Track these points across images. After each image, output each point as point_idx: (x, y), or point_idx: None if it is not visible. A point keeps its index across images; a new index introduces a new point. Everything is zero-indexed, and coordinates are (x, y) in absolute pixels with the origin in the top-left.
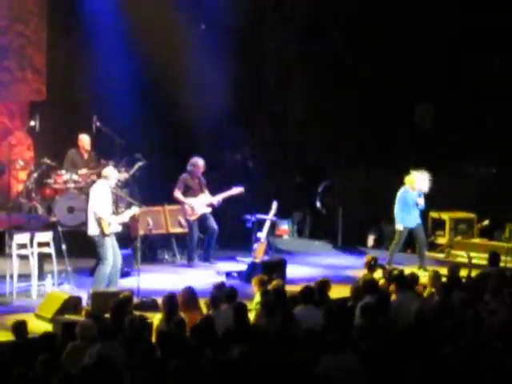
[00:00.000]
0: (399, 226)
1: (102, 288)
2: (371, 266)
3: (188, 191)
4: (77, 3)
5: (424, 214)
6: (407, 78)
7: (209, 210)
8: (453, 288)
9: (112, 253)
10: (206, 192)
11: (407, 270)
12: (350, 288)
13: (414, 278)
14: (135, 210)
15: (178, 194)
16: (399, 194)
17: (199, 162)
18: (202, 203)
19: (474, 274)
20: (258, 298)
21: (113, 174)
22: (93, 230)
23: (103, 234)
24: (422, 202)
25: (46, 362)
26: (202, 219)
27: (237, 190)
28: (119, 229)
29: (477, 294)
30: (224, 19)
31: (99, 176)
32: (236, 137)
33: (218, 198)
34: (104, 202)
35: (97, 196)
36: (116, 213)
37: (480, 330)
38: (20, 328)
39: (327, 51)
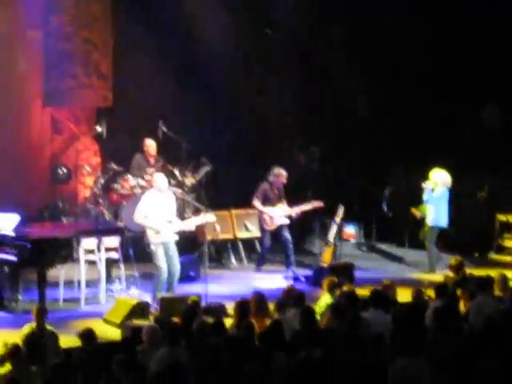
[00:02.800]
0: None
1: (161, 295)
2: (458, 268)
3: (267, 201)
4: (141, 5)
5: (491, 216)
6: (473, 78)
7: (287, 221)
8: None
9: (165, 260)
10: (285, 202)
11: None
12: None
13: (490, 280)
14: (207, 217)
15: (257, 203)
16: (440, 193)
17: (282, 172)
18: (280, 214)
19: None
20: (326, 300)
21: (159, 181)
22: (145, 237)
23: (151, 242)
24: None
25: (123, 362)
26: (278, 230)
27: (316, 204)
28: (174, 237)
29: None
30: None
31: None
32: (302, 139)
33: (296, 211)
34: (147, 209)
35: (139, 204)
36: (182, 218)
37: None
38: (89, 335)
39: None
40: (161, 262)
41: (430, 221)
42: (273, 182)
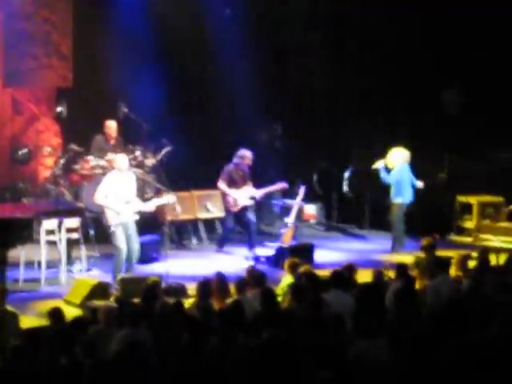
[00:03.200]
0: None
1: (121, 275)
2: (429, 248)
3: (232, 183)
4: None
5: (451, 198)
6: (433, 61)
7: (251, 202)
8: (484, 272)
9: (125, 240)
10: (250, 184)
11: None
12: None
13: (447, 261)
14: (168, 198)
15: (222, 184)
16: (400, 169)
17: (248, 154)
18: (245, 196)
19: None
20: (287, 280)
21: (119, 161)
22: (104, 218)
23: (108, 223)
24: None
25: (87, 346)
26: (242, 211)
27: (281, 185)
28: (133, 217)
29: (507, 278)
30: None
31: None
32: (263, 119)
33: (260, 192)
34: (108, 190)
35: (100, 185)
36: (143, 199)
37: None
38: (57, 314)
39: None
40: (120, 242)
41: (393, 198)
42: (238, 164)
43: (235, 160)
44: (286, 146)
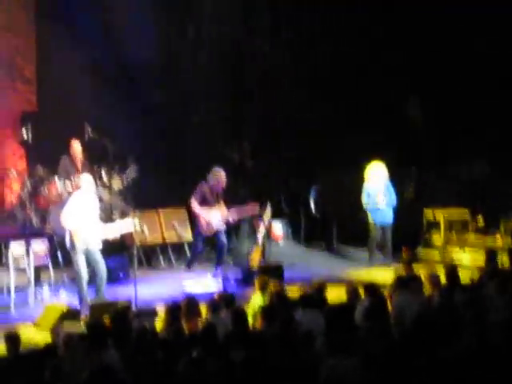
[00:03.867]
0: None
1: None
2: (409, 262)
3: (204, 202)
4: (62, 10)
5: (418, 212)
6: (397, 70)
7: (223, 227)
8: (454, 288)
9: (92, 263)
10: (223, 205)
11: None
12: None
13: (416, 278)
14: (129, 226)
15: (195, 205)
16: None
17: (222, 174)
18: (218, 219)
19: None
20: (258, 299)
21: (85, 183)
22: (67, 242)
23: (73, 247)
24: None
25: (55, 370)
26: (214, 234)
27: (253, 208)
28: (99, 245)
29: (477, 294)
30: None
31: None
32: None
33: (234, 216)
34: (75, 212)
35: (67, 207)
36: (110, 220)
37: (482, 329)
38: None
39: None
40: (81, 267)
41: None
42: (212, 184)
43: (211, 182)
44: (254, 165)
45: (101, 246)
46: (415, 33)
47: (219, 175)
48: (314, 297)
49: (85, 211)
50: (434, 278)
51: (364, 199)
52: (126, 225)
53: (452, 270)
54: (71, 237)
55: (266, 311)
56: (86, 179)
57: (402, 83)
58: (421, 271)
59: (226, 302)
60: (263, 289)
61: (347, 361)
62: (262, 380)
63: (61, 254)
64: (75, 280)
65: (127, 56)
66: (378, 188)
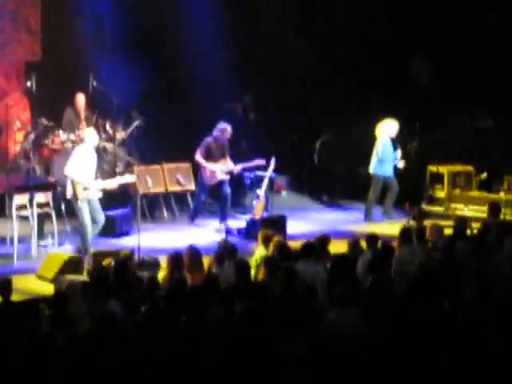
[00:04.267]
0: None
1: (91, 249)
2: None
3: (210, 156)
4: None
5: (422, 168)
6: (401, 29)
7: (227, 177)
8: (456, 240)
9: (90, 216)
10: (228, 158)
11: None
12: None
13: (421, 230)
14: (128, 178)
15: (199, 157)
16: (382, 143)
17: (228, 128)
18: (222, 169)
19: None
20: (261, 252)
21: (88, 136)
22: (68, 193)
23: (76, 198)
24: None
25: (53, 318)
26: (218, 184)
27: (258, 162)
28: (99, 195)
29: (481, 247)
30: None
31: None
32: (235, 89)
33: (238, 167)
34: (80, 165)
35: (72, 159)
36: (114, 173)
37: (484, 282)
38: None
39: (324, 10)
40: (86, 218)
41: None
42: (217, 138)
43: (215, 133)
44: (258, 118)
45: (101, 195)
46: None
47: (224, 129)
48: (317, 249)
49: (87, 164)
50: (436, 231)
51: (380, 152)
52: (121, 179)
53: (460, 223)
54: (74, 187)
55: (268, 263)
56: (89, 133)
57: (409, 37)
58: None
59: (229, 254)
60: (266, 242)
61: (348, 313)
62: (263, 331)
63: (64, 204)
64: (78, 230)
65: (138, 15)
66: (390, 143)
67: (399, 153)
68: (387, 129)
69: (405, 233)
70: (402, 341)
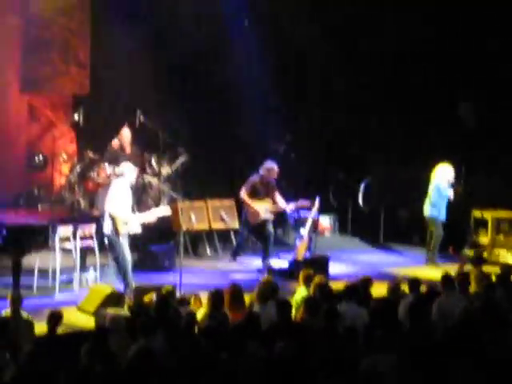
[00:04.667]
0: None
1: (132, 283)
2: (478, 261)
3: (255, 194)
4: None
5: (466, 212)
6: (449, 75)
7: (271, 216)
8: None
9: (129, 249)
10: (277, 197)
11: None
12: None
13: (465, 277)
14: (164, 211)
15: (244, 195)
16: (435, 187)
17: (275, 167)
18: (266, 209)
19: None
20: (302, 292)
21: (128, 170)
22: (106, 228)
23: (117, 233)
24: (451, 193)
25: (92, 352)
26: (262, 223)
27: (304, 202)
28: (139, 230)
29: None
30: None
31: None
32: (278, 128)
33: (291, 207)
34: (120, 200)
35: (112, 194)
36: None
37: None
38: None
39: (371, 49)
40: (126, 251)
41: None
42: (263, 176)
43: (261, 171)
44: (300, 157)
45: (140, 231)
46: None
47: (271, 167)
48: (359, 291)
49: (126, 198)
50: (481, 278)
51: (432, 196)
52: (161, 210)
53: (505, 270)
54: (115, 222)
55: (308, 303)
56: (128, 167)
57: (458, 82)
58: (470, 271)
59: (271, 293)
60: (307, 282)
61: (387, 357)
62: (301, 371)
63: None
64: (119, 264)
65: (180, 43)
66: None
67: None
68: (442, 173)
69: (447, 279)
70: None
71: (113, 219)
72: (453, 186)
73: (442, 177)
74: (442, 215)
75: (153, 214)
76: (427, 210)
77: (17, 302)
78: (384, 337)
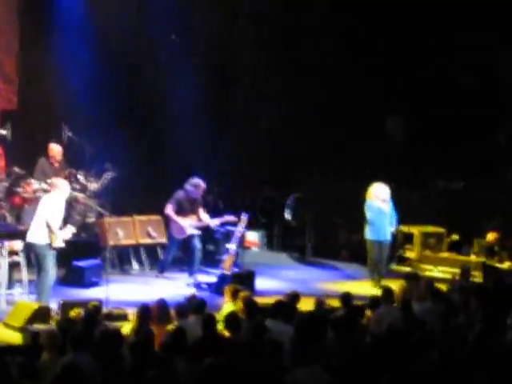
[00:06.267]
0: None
1: (48, 300)
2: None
3: (180, 210)
4: (45, 9)
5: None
6: (377, 88)
7: (197, 232)
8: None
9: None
10: (201, 213)
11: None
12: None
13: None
14: (71, 230)
15: (170, 211)
16: (368, 206)
17: (201, 184)
18: (191, 224)
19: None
20: (229, 307)
21: (64, 185)
22: (37, 237)
23: (50, 246)
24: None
25: (23, 367)
26: (188, 238)
27: (230, 218)
28: (62, 244)
29: (449, 308)
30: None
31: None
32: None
33: (216, 222)
34: (55, 214)
35: (49, 206)
36: (85, 223)
37: (451, 344)
38: None
39: (302, 63)
40: (51, 265)
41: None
42: (189, 192)
43: (187, 187)
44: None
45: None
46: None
47: (198, 184)
48: (286, 307)
49: (59, 212)
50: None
51: (371, 215)
52: (70, 229)
53: (428, 285)
54: (51, 234)
55: (228, 319)
56: (63, 184)
57: (386, 95)
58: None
59: (196, 308)
60: (234, 297)
61: (311, 370)
62: None
63: (28, 252)
64: (42, 279)
65: (110, 57)
66: (386, 207)
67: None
68: (375, 192)
69: (387, 292)
70: None
71: (50, 231)
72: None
73: (376, 196)
74: (381, 235)
75: (67, 232)
76: (365, 231)
77: None
78: (308, 351)
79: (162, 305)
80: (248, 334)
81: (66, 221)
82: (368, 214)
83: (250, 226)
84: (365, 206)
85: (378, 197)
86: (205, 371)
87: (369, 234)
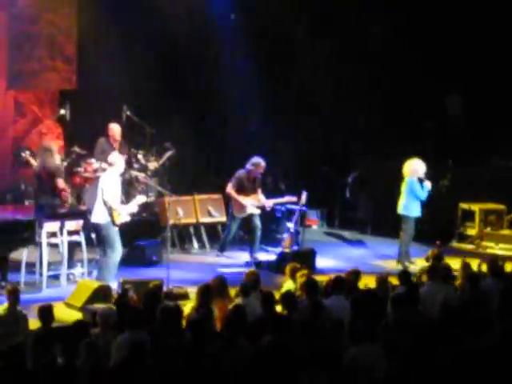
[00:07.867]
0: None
1: (111, 279)
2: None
3: (241, 189)
4: None
5: (453, 205)
6: (436, 67)
7: (258, 211)
8: (480, 278)
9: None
10: (259, 193)
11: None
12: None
13: (446, 268)
14: (141, 199)
15: (231, 190)
16: (407, 183)
17: (262, 163)
18: (252, 203)
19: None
20: (289, 285)
21: (119, 161)
22: (101, 217)
23: (113, 223)
24: (429, 186)
25: (89, 347)
26: (248, 217)
27: (290, 199)
28: (128, 219)
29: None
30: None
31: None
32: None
33: (271, 203)
34: (114, 191)
35: (107, 185)
36: (146, 203)
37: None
38: (46, 313)
39: (355, 41)
40: (117, 243)
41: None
42: (250, 171)
43: (248, 166)
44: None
45: (129, 219)
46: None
47: (257, 163)
48: (345, 284)
49: (118, 189)
50: (466, 269)
51: (417, 192)
52: (138, 200)
53: (492, 262)
54: (112, 212)
55: (285, 297)
56: (118, 159)
57: (443, 74)
58: (454, 263)
59: (256, 285)
60: (293, 275)
61: (369, 348)
62: (286, 364)
63: (95, 232)
64: (108, 259)
65: (168, 35)
66: (428, 184)
67: (428, 185)
68: (414, 168)
69: (432, 270)
70: (420, 380)
71: (109, 209)
72: (422, 180)
73: (413, 173)
74: (414, 212)
75: (134, 204)
76: (400, 207)
77: (14, 295)
78: (365, 328)
79: (220, 281)
80: (304, 312)
81: (127, 200)
82: (415, 191)
83: (310, 204)
84: (406, 182)
85: (419, 172)
86: (264, 349)
87: (412, 210)
